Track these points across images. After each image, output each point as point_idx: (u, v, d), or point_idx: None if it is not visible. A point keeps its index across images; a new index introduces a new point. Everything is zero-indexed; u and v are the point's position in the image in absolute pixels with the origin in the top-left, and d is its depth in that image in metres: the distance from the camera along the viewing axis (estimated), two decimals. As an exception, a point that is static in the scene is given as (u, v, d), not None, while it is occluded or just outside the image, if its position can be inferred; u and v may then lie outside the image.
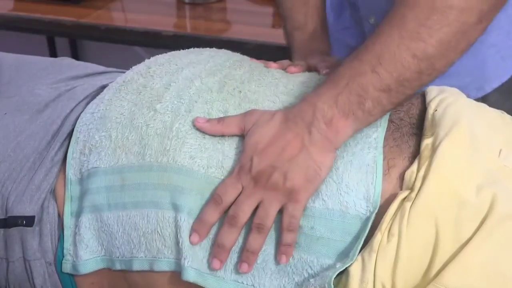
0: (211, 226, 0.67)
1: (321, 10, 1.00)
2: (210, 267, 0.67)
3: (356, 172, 0.67)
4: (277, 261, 0.67)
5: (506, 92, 1.07)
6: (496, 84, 1.06)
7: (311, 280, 0.65)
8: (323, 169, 0.66)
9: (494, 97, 1.05)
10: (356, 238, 0.66)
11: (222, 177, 0.68)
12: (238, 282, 0.68)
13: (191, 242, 0.67)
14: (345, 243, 0.66)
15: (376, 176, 0.67)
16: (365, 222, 0.66)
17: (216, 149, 0.70)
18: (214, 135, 0.70)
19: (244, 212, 0.66)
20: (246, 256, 0.67)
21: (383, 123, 0.72)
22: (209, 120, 0.71)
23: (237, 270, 0.68)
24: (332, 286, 0.62)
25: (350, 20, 1.09)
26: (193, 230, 0.67)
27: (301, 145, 0.66)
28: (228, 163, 0.69)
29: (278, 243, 0.66)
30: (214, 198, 0.67)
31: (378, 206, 0.66)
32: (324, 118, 0.66)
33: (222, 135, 0.70)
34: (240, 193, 0.66)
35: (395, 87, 0.66)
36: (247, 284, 0.68)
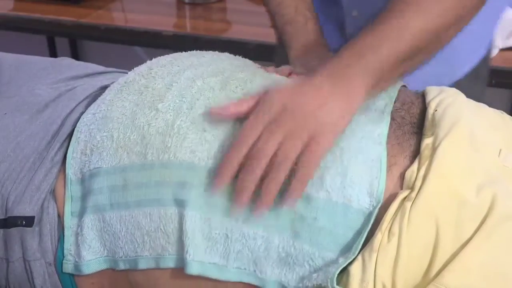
0: (236, 169, 0.66)
1: (310, 3, 0.99)
2: (236, 204, 0.65)
3: (361, 167, 0.68)
4: (286, 204, 0.65)
5: (475, 77, 1.09)
6: (467, 69, 1.07)
7: (314, 274, 0.65)
8: (346, 117, 0.67)
9: (465, 82, 1.06)
10: (359, 233, 0.66)
11: None
12: (240, 269, 0.68)
13: (214, 186, 0.66)
14: (347, 237, 0.66)
15: (380, 172, 0.67)
16: (367, 217, 0.66)
17: (217, 140, 0.70)
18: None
19: (268, 147, 0.65)
20: (268, 189, 0.65)
21: (386, 118, 0.72)
22: (224, 106, 0.70)
23: (239, 256, 0.68)
24: (335, 282, 0.62)
25: (326, 18, 1.09)
26: (217, 174, 0.66)
27: (324, 98, 0.67)
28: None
29: (294, 179, 0.65)
30: (235, 144, 0.66)
31: (381, 202, 0.66)
32: (344, 79, 0.68)
33: (237, 118, 0.70)
34: (261, 134, 0.66)
35: (414, 53, 0.71)
36: (249, 271, 0.68)
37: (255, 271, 0.68)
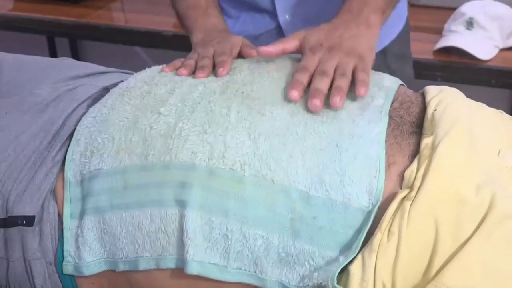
0: (305, 86, 0.75)
1: None
2: (310, 106, 0.72)
3: (360, 166, 0.68)
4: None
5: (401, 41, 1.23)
6: (393, 35, 1.20)
7: (315, 274, 0.65)
8: (373, 46, 0.83)
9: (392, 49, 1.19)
10: (358, 231, 0.66)
11: (224, 167, 0.68)
12: (241, 270, 0.68)
13: (290, 97, 0.73)
14: (347, 236, 0.66)
15: (379, 171, 0.68)
16: (367, 216, 0.66)
17: (218, 141, 0.70)
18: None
19: (330, 66, 0.77)
20: (337, 91, 0.73)
21: (384, 117, 0.72)
22: (268, 46, 0.82)
23: (239, 257, 0.68)
24: (336, 281, 0.62)
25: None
26: (290, 88, 0.74)
27: (354, 32, 0.82)
28: (230, 152, 0.69)
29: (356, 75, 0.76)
30: (301, 69, 0.77)
31: (380, 200, 0.66)
32: (361, 16, 0.84)
33: (284, 52, 0.82)
34: (319, 62, 0.78)
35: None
36: (249, 271, 0.68)
37: (255, 271, 0.68)
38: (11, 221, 0.73)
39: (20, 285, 0.75)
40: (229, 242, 0.68)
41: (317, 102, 0.72)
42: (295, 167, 0.68)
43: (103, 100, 0.81)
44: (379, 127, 0.71)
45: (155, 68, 0.86)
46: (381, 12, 0.85)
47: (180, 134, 0.71)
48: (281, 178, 0.67)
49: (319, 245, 0.66)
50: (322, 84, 0.74)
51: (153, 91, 0.78)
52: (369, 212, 0.66)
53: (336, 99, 0.72)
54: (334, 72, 0.76)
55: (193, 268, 0.68)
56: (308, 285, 0.66)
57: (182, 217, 0.68)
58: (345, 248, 0.66)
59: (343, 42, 0.80)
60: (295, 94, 0.73)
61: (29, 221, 0.72)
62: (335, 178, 0.67)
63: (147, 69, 0.86)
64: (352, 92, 0.75)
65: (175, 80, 0.79)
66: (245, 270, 0.68)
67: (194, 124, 0.72)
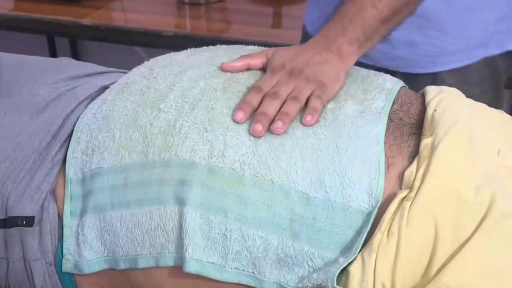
0: (254, 108, 0.72)
1: None
2: (252, 131, 0.70)
3: (359, 167, 0.68)
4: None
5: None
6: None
7: (314, 274, 0.65)
8: (341, 76, 0.78)
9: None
10: (358, 232, 0.66)
11: (224, 166, 0.68)
12: (239, 270, 0.68)
13: (235, 119, 0.71)
14: (346, 236, 0.66)
15: (379, 172, 0.67)
16: (367, 217, 0.66)
17: (218, 140, 0.70)
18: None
19: (282, 90, 0.74)
20: (281, 117, 0.71)
21: (383, 119, 0.72)
22: (234, 60, 0.79)
23: (238, 257, 0.68)
24: (335, 282, 0.62)
25: None
26: (237, 109, 0.72)
27: (322, 58, 0.78)
28: (230, 152, 0.69)
29: (304, 111, 0.72)
30: (253, 88, 0.75)
31: (380, 201, 0.66)
32: (335, 44, 0.79)
33: (248, 69, 0.80)
34: (276, 83, 0.75)
35: (390, 17, 0.84)
36: (247, 272, 0.68)
37: (253, 272, 0.68)
38: (11, 222, 0.73)
39: (20, 285, 0.76)
40: (228, 242, 0.68)
41: (259, 127, 0.69)
42: (295, 167, 0.68)
43: (103, 96, 0.81)
44: (378, 128, 0.71)
45: (153, 60, 0.84)
46: (358, 45, 0.80)
47: (180, 132, 0.71)
48: (281, 179, 0.67)
49: (319, 246, 0.66)
50: (270, 107, 0.71)
51: (152, 86, 0.77)
52: (369, 214, 0.66)
53: (278, 124, 0.69)
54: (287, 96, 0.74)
55: (191, 267, 0.68)
56: (307, 286, 0.66)
57: (181, 215, 0.68)
58: (345, 249, 0.66)
59: (307, 67, 0.76)
60: (240, 115, 0.71)
61: (29, 221, 0.72)
62: (335, 179, 0.67)
63: (145, 62, 0.85)
64: (353, 97, 0.75)
65: (174, 72, 0.79)
66: (243, 270, 0.68)
67: (195, 121, 0.72)
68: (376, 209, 0.65)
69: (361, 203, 0.66)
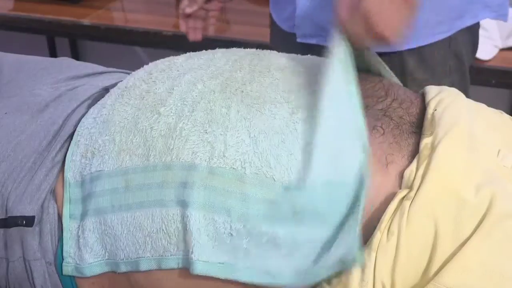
0: None
1: None
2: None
3: (347, 144, 0.68)
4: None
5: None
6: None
7: (332, 249, 0.65)
8: None
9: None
10: (355, 206, 0.66)
11: (225, 166, 0.68)
12: (249, 268, 0.68)
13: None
14: (341, 214, 0.67)
15: (363, 144, 0.68)
16: (360, 187, 0.66)
17: (218, 141, 0.70)
18: None
19: None
20: None
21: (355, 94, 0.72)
22: None
23: (247, 255, 0.68)
24: (358, 246, 0.62)
25: None
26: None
27: None
28: (230, 151, 0.69)
29: None
30: None
31: (369, 176, 0.66)
32: None
33: None
34: None
35: None
36: (258, 269, 0.68)
37: (263, 268, 0.68)
38: (11, 221, 0.73)
39: (20, 285, 0.75)
40: (235, 241, 0.68)
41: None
42: (296, 164, 0.68)
43: (102, 100, 0.81)
44: (357, 100, 0.71)
45: (152, 64, 0.85)
46: None
47: (180, 134, 0.71)
48: (282, 175, 0.68)
49: (326, 230, 0.66)
50: None
51: (152, 90, 0.77)
52: (361, 183, 0.66)
53: None
54: None
55: (199, 269, 0.67)
56: (323, 267, 0.65)
57: (184, 217, 0.68)
58: (349, 228, 0.66)
59: None
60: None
61: (29, 221, 0.72)
62: (324, 159, 0.67)
63: (145, 66, 0.85)
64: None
65: (172, 76, 0.79)
66: (253, 268, 0.68)
67: (194, 124, 0.72)
68: (369, 177, 0.66)
69: (351, 179, 0.67)
